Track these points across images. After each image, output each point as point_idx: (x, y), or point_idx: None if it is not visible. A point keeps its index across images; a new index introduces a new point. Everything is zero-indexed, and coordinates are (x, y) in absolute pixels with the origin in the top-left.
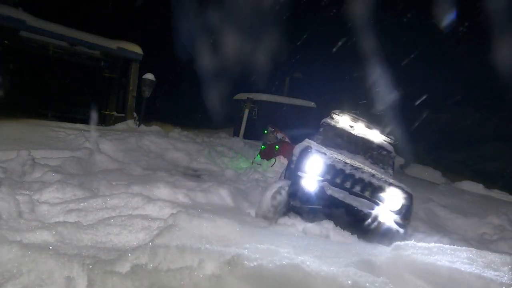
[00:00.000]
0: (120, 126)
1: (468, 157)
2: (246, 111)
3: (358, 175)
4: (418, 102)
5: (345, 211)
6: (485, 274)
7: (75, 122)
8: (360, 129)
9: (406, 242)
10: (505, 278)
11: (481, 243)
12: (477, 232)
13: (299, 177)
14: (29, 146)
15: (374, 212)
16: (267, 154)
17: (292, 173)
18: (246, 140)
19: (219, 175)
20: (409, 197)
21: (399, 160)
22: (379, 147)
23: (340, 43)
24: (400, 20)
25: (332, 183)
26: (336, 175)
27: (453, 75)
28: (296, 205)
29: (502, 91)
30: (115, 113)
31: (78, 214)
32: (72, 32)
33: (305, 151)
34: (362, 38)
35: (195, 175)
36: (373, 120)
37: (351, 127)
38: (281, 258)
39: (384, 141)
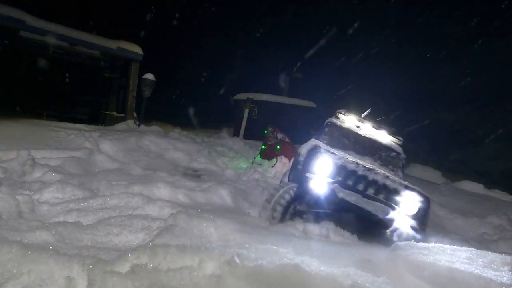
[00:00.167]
0: (120, 126)
1: (468, 157)
2: (246, 111)
3: (371, 176)
4: (418, 102)
5: (358, 216)
6: (485, 274)
7: (75, 122)
8: (367, 129)
9: (406, 242)
10: (505, 278)
11: (481, 243)
12: (477, 232)
13: (308, 178)
14: (29, 146)
15: (389, 217)
16: (268, 154)
17: (299, 175)
18: (246, 140)
19: (219, 175)
20: (426, 201)
21: None
22: (388, 148)
23: (340, 43)
24: (399, 20)
25: (343, 185)
26: (348, 177)
27: (453, 75)
28: (304, 209)
29: (502, 91)
30: (115, 113)
31: (78, 214)
32: (72, 32)
33: (314, 151)
34: (362, 38)
35: (195, 175)
36: (373, 120)
37: (358, 127)
38: (281, 258)
39: (393, 142)
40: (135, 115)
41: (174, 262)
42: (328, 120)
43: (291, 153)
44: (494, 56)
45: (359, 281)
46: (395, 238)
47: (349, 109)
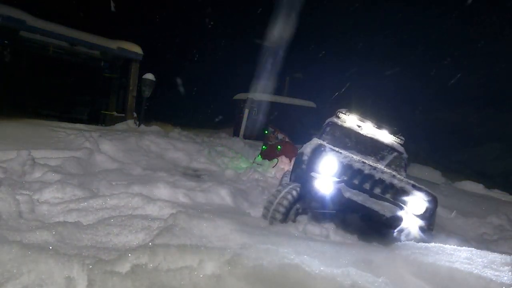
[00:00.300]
0: (120, 126)
1: (468, 157)
2: (246, 111)
3: (378, 175)
4: (418, 102)
5: (364, 216)
6: (485, 274)
7: (75, 122)
8: (369, 129)
9: (406, 242)
10: (505, 278)
11: (481, 243)
12: (477, 232)
13: (312, 178)
14: (29, 146)
15: (397, 216)
16: (269, 154)
17: (302, 174)
18: (246, 140)
19: (219, 175)
20: (434, 200)
21: None
22: (390, 148)
23: (340, 42)
24: (399, 19)
25: (349, 184)
26: (354, 176)
27: (453, 75)
28: (308, 209)
29: (503, 91)
30: (115, 113)
31: (78, 214)
32: (72, 32)
33: (318, 150)
34: (362, 37)
35: (195, 175)
36: (373, 119)
37: (359, 126)
38: (281, 258)
39: (395, 141)
40: (135, 115)
41: (174, 262)
42: (329, 119)
43: (291, 153)
44: (494, 56)
45: (359, 281)
46: (402, 238)
47: (349, 108)
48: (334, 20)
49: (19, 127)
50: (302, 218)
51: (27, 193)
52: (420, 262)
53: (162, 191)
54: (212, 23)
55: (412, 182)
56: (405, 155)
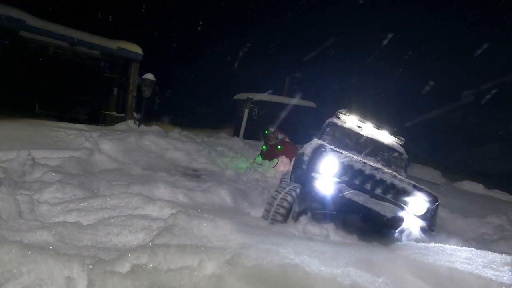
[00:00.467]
0: (120, 126)
1: (468, 157)
2: (246, 111)
3: (378, 176)
4: (418, 102)
5: (365, 216)
6: (485, 274)
7: (75, 122)
8: (369, 129)
9: (406, 242)
10: (505, 278)
11: (481, 243)
12: (477, 232)
13: (313, 178)
14: (29, 146)
15: (398, 217)
16: (269, 154)
17: (303, 175)
18: (246, 140)
19: (219, 175)
20: (435, 201)
21: None
22: (390, 148)
23: (340, 42)
24: (399, 19)
25: (350, 185)
26: (355, 176)
27: (454, 75)
28: (308, 210)
29: (503, 91)
30: (115, 113)
31: (78, 214)
32: (72, 32)
33: (319, 150)
34: (362, 37)
35: (195, 175)
36: (373, 120)
37: (359, 127)
38: (281, 258)
39: (395, 142)
40: (135, 115)
41: (174, 262)
42: (329, 120)
43: (292, 153)
44: (494, 56)
45: (359, 281)
46: (403, 238)
47: (349, 109)
48: (334, 20)
49: (19, 127)
50: (302, 218)
51: (27, 193)
52: (420, 262)
53: (162, 191)
54: (212, 23)
55: (413, 182)
56: (405, 156)
